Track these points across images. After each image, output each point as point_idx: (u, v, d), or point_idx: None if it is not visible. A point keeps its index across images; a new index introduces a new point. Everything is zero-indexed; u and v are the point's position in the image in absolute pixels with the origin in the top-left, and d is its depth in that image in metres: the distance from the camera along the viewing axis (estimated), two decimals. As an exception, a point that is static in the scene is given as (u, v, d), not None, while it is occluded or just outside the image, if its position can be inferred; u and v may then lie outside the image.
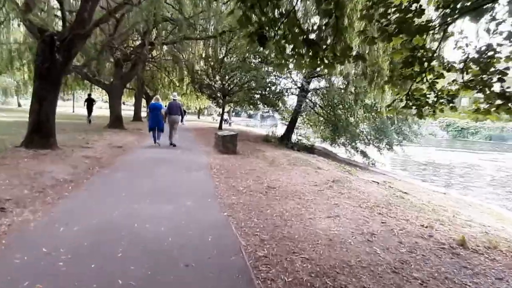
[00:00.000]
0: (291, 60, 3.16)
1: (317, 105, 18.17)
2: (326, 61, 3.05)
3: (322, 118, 18.95)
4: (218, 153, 11.33)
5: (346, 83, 12.87)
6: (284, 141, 17.79)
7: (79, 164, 7.38)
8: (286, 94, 19.76)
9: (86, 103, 20.00)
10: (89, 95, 21.97)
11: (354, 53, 3.29)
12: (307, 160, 10.19)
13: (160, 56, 21.57)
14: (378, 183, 8.59)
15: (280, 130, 20.95)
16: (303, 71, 15.25)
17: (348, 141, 17.68)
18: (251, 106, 22.28)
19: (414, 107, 3.93)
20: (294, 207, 5.21)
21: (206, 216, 4.60)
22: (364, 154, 17.12)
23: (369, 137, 17.11)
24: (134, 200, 5.03)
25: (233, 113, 50.92)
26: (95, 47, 17.01)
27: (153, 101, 12.50)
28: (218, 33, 17.52)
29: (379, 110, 13.61)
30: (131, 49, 17.07)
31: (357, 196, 6.30)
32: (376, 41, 3.45)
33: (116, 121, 16.95)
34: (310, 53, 3.02)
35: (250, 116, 78.19)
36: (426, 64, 3.55)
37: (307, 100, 18.18)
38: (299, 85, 17.94)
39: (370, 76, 9.04)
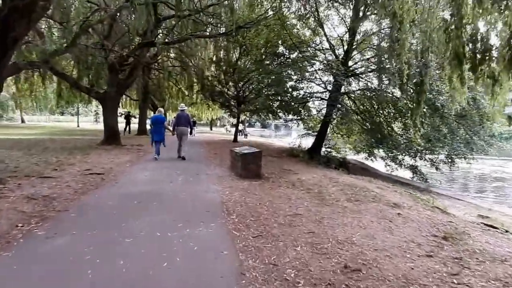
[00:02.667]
0: None
1: (351, 111, 14.82)
2: None
3: (356, 127, 15.64)
4: (236, 177, 8.13)
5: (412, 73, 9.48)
6: (313, 155, 14.47)
7: None
8: (311, 99, 16.53)
9: (125, 119, 24.61)
10: (128, 112, 27.09)
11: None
12: (366, 189, 6.85)
13: (163, 59, 18.58)
14: (497, 229, 5.20)
15: (305, 141, 17.66)
16: (337, 69, 11.99)
17: (390, 153, 14.25)
18: (270, 115, 19.08)
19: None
20: None
21: None
22: (413, 169, 13.60)
23: (419, 147, 13.61)
24: None
25: (247, 123, 47.81)
26: (87, 50, 14.25)
27: (156, 114, 11.56)
28: (233, 28, 14.51)
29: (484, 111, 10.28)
30: (128, 51, 14.12)
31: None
32: None
33: (111, 136, 13.97)
34: None
35: (264, 126, 75.28)
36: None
37: (338, 106, 14.89)
38: (329, 87, 14.66)
39: (471, 59, 5.75)
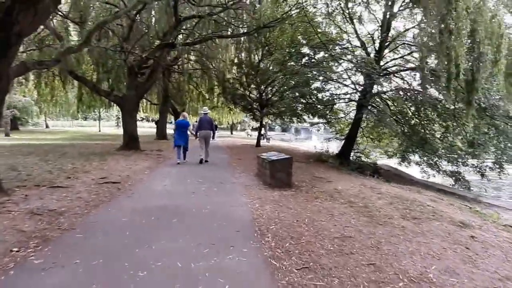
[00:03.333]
0: None
1: (384, 113, 13.73)
2: None
3: (388, 130, 14.53)
4: (264, 187, 7.30)
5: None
6: (343, 160, 13.45)
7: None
8: (339, 101, 15.51)
9: (156, 124, 26.36)
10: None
11: None
12: (418, 202, 5.85)
13: (183, 61, 18.00)
14: None
15: (331, 145, 16.65)
16: (372, 67, 10.97)
17: (427, 158, 13.06)
18: (295, 118, 18.16)
19: None
20: None
21: None
22: (455, 175, 12.35)
23: (461, 152, 12.37)
24: None
25: (268, 127, 46.95)
26: (106, 53, 13.84)
27: (180, 118, 11.24)
28: (255, 27, 13.77)
29: None
30: (148, 52, 13.57)
31: None
32: None
33: (130, 141, 13.42)
34: None
35: (284, 130, 74.12)
36: None
37: (369, 107, 13.84)
38: (359, 88, 13.62)
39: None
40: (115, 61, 14.87)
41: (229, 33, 14.78)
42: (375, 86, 12.41)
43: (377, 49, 13.10)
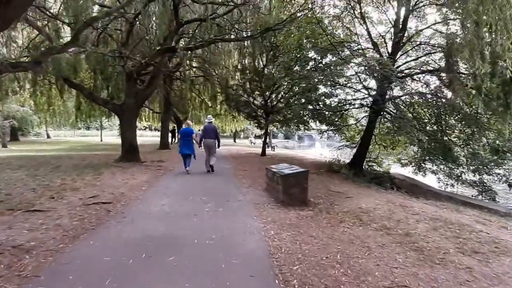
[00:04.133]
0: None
1: (406, 119, 12.73)
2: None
3: (402, 137, 13.49)
4: (276, 205, 6.29)
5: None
6: (355, 169, 12.38)
7: None
8: (349, 107, 14.50)
9: (171, 133, 27.38)
10: (174, 127, 29.09)
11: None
12: (467, 226, 4.79)
13: (185, 67, 17.08)
14: None
15: (340, 153, 15.60)
16: (389, 68, 9.98)
17: (447, 166, 11.98)
18: (302, 126, 17.14)
19: None
20: None
21: None
22: (480, 186, 11.25)
23: (486, 161, 11.28)
24: None
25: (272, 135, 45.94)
26: (104, 58, 12.97)
27: (184, 126, 11.07)
28: (259, 31, 12.89)
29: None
30: (147, 58, 12.66)
31: None
32: None
33: (129, 152, 12.43)
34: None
35: (287, 137, 73.06)
36: None
37: (384, 113, 12.83)
38: (372, 93, 12.61)
39: None
40: (113, 68, 13.99)
41: (232, 37, 13.86)
42: (391, 90, 11.39)
43: (390, 51, 12.13)
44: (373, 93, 12.55)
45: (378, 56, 11.75)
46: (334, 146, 16.42)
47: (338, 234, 4.47)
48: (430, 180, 14.17)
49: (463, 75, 7.81)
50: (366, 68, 11.57)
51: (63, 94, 16.13)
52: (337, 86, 13.69)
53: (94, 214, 5.24)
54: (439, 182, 13.11)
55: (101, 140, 33.07)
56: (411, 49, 12.20)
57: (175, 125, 28.36)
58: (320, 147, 55.38)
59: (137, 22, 13.19)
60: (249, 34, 13.72)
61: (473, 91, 7.77)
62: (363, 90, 13.04)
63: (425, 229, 4.56)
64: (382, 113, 12.45)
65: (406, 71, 12.48)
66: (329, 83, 13.31)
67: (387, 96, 12.22)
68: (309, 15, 12.67)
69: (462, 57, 7.18)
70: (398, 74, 11.11)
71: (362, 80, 12.72)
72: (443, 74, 10.05)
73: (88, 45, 11.87)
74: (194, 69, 22.74)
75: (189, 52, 14.59)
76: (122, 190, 7.26)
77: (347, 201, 6.76)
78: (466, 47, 6.38)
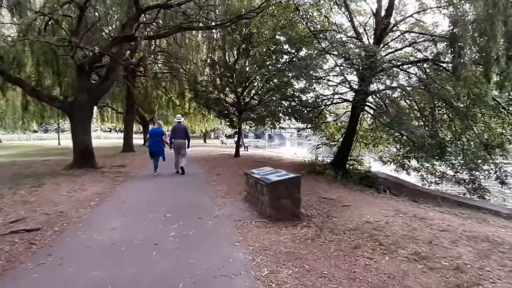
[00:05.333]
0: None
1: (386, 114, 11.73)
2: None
3: (384, 134, 12.56)
4: (261, 221, 4.90)
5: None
6: (339, 170, 11.19)
7: None
8: (328, 102, 13.37)
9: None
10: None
11: None
12: (501, 241, 3.63)
13: (146, 58, 15.23)
14: None
15: (320, 152, 14.49)
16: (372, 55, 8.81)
17: (431, 163, 11.10)
18: (277, 124, 15.82)
19: None
20: None
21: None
22: (472, 183, 10.41)
23: (472, 156, 10.46)
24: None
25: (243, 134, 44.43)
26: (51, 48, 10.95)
27: (154, 126, 11.07)
28: (229, 19, 11.44)
29: None
30: (101, 47, 10.78)
31: None
32: None
33: (83, 157, 10.54)
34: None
35: (257, 137, 71.85)
36: None
37: (366, 108, 11.78)
38: (355, 86, 11.51)
39: None
40: (65, 60, 11.94)
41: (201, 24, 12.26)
42: (378, 82, 10.29)
43: (373, 41, 11.02)
44: (356, 86, 11.47)
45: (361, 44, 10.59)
46: (304, 144, 15.34)
47: (360, 270, 3.12)
48: (409, 177, 13.37)
49: (467, 62, 6.77)
50: (348, 58, 10.43)
51: (5, 92, 13.76)
52: (313, 81, 12.49)
53: (5, 252, 3.57)
54: (422, 180, 12.27)
55: (59, 144, 30.05)
56: (402, 34, 11.01)
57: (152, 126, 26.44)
58: (290, 146, 54.73)
59: (89, 7, 11.27)
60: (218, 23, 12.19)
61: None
62: (344, 84, 11.90)
63: (473, 256, 3.31)
64: (364, 108, 11.38)
65: (394, 62, 11.40)
66: (304, 77, 12.10)
67: (371, 89, 11.14)
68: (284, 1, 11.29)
69: (473, 40, 6.11)
70: (386, 64, 9.97)
71: (343, 73, 11.56)
72: (442, 62, 9.04)
73: (33, 34, 9.95)
74: (159, 65, 20.86)
75: (153, 42, 12.85)
76: (63, 208, 5.55)
77: (346, 212, 5.46)
78: (486, 22, 5.28)
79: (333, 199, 6.62)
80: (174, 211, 5.40)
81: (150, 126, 28.43)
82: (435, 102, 9.77)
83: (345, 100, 12.29)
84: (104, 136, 50.74)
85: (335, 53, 11.01)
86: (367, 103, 11.50)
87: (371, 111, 11.80)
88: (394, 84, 10.07)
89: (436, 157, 9.79)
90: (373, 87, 11.47)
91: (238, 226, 4.71)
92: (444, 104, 9.55)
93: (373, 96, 11.18)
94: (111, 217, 5.09)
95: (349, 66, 10.72)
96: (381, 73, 9.21)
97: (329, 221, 4.98)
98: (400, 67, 10.06)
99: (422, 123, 10.93)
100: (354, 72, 11.20)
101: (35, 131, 41.15)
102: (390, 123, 9.70)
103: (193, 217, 5.11)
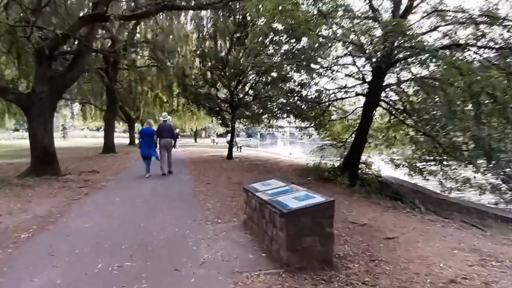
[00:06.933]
0: None
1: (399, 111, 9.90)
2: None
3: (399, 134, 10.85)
4: (272, 271, 3.00)
5: None
6: (351, 177, 9.35)
7: None
8: (335, 97, 11.55)
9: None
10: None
11: None
12: None
13: (118, 45, 13.13)
14: None
15: (320, 154, 12.70)
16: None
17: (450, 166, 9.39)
18: (274, 122, 13.96)
19: None
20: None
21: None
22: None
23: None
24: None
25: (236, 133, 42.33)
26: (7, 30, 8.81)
27: (145, 126, 10.31)
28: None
29: None
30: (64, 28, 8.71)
31: None
32: None
33: (42, 161, 8.49)
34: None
35: (249, 136, 69.81)
36: None
37: (382, 104, 9.98)
38: (369, 78, 9.67)
39: None
40: (23, 44, 9.83)
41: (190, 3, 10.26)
42: (403, 69, 8.38)
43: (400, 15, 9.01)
44: (370, 78, 9.63)
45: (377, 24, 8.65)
46: (296, 143, 13.54)
47: None
48: (420, 181, 11.69)
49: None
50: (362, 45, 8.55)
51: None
52: (314, 75, 10.67)
53: None
54: (441, 186, 10.54)
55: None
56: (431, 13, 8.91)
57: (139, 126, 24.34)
58: (283, 145, 52.89)
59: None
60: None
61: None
62: (355, 75, 10.04)
63: None
64: (380, 103, 9.57)
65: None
66: (303, 71, 10.30)
67: (389, 81, 9.29)
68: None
69: None
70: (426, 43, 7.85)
71: (355, 62, 9.68)
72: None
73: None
74: (145, 57, 18.73)
75: (138, 30, 10.80)
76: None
77: (397, 251, 3.61)
78: None
79: (365, 224, 4.76)
80: (139, 253, 3.47)
81: (137, 125, 26.43)
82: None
83: (358, 94, 10.42)
84: (91, 135, 48.08)
85: (351, 35, 9.01)
86: (381, 98, 9.71)
87: (386, 107, 9.99)
88: (425, 72, 8.12)
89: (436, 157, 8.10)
90: (391, 78, 9.69)
91: (240, 285, 2.82)
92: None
93: (396, 88, 9.32)
94: (51, 255, 3.15)
95: (363, 53, 8.82)
96: (412, 58, 7.31)
97: (378, 270, 3.11)
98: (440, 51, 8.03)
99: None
100: (368, 63, 9.34)
101: (16, 130, 38.31)
102: (438, 120, 7.79)
103: (167, 266, 3.18)
